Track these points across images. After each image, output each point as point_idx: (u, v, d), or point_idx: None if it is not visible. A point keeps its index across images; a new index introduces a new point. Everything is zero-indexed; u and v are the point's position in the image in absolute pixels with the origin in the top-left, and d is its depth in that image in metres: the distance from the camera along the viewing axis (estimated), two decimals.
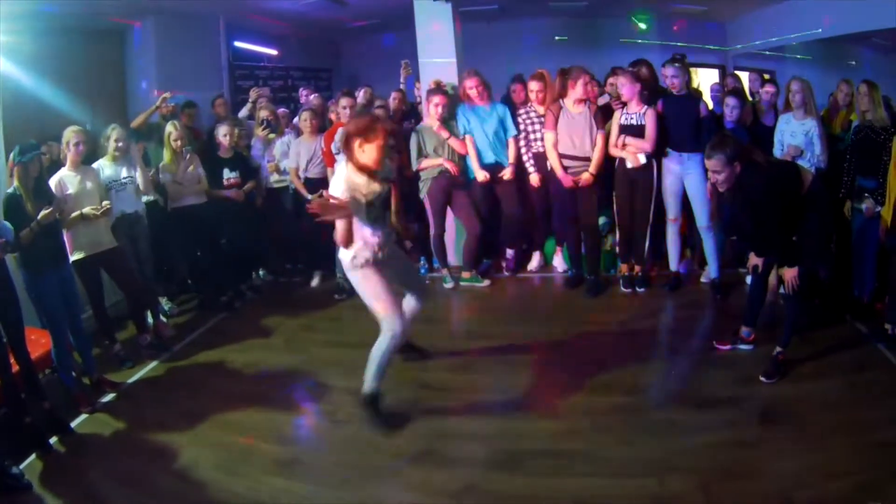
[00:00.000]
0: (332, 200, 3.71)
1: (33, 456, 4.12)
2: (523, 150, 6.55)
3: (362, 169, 3.94)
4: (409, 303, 4.60)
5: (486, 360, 5.16)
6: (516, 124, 6.54)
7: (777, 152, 5.62)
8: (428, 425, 4.24)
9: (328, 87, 12.08)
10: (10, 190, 4.45)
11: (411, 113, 7.54)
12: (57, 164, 5.31)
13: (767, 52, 10.40)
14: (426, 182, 6.49)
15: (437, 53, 7.14)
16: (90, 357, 5.07)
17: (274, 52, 11.16)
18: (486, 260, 7.19)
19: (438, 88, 6.62)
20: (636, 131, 5.84)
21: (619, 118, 5.95)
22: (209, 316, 6.48)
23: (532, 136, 6.47)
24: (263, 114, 7.07)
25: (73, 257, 5.03)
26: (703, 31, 11.43)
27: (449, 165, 6.35)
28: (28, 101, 6.33)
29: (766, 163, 4.40)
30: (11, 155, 4.44)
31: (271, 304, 6.74)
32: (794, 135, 5.51)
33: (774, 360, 4.52)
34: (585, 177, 6.01)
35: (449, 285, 6.74)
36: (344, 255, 4.15)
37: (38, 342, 4.75)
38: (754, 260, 4.77)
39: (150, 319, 5.90)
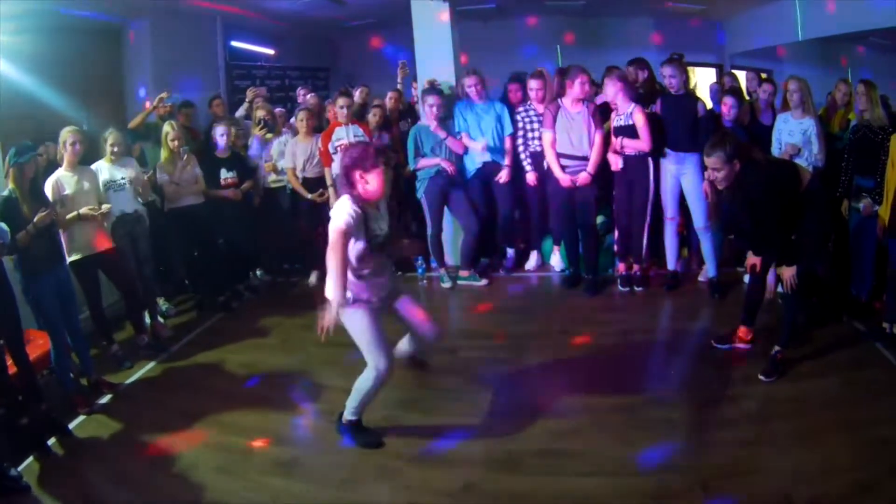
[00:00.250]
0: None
1: (31, 457, 4.12)
2: (521, 150, 6.55)
3: (370, 199, 3.80)
4: (409, 343, 4.47)
5: (485, 359, 5.16)
6: (514, 123, 6.54)
7: (775, 151, 5.62)
8: (426, 425, 4.24)
9: (325, 86, 12.05)
10: (5, 192, 4.43)
11: (408, 113, 7.55)
12: (53, 165, 5.30)
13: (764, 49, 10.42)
14: (423, 181, 6.49)
15: (434, 53, 7.14)
16: (88, 358, 5.06)
17: (271, 51, 11.15)
18: (484, 259, 7.18)
19: (432, 89, 6.61)
20: (629, 131, 5.84)
21: (612, 120, 5.96)
22: (207, 316, 6.49)
23: (530, 136, 6.48)
24: (260, 113, 7.07)
25: (70, 258, 5.02)
26: (701, 31, 11.43)
27: (446, 165, 6.35)
28: (24, 101, 6.33)
29: (765, 161, 4.41)
30: (7, 157, 4.42)
31: (269, 304, 6.74)
32: (793, 134, 5.51)
33: (773, 358, 4.52)
34: (583, 176, 6.00)
35: (447, 285, 6.74)
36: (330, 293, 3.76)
37: (36, 343, 4.74)
38: (752, 259, 4.77)
39: (147, 320, 5.90)
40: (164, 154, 6.14)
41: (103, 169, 5.60)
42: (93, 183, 5.28)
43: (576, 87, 5.88)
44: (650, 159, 5.91)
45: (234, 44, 10.05)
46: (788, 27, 9.16)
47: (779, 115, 5.80)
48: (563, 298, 6.40)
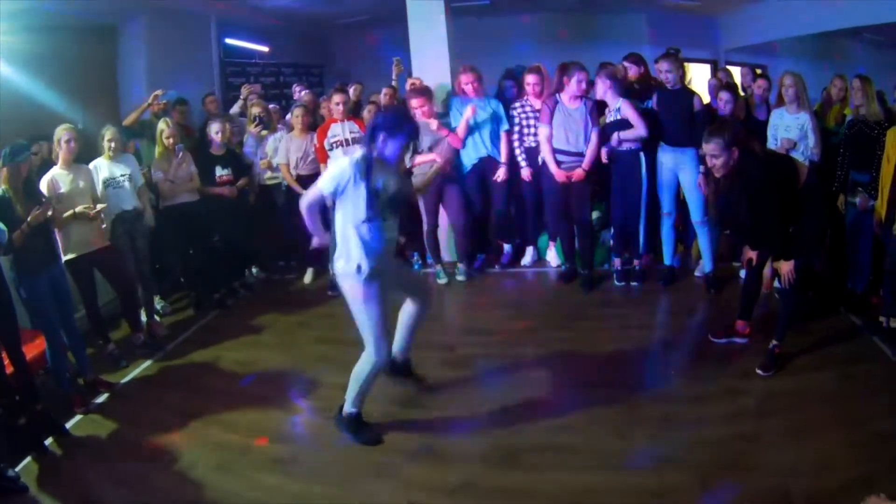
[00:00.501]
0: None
1: (29, 458, 4.10)
2: (516, 145, 6.56)
3: (385, 160, 3.85)
4: (410, 309, 4.40)
5: (482, 355, 5.16)
6: (510, 119, 6.54)
7: (771, 146, 5.62)
8: (424, 422, 4.24)
9: (320, 83, 12.05)
10: None
11: None
12: (48, 164, 5.26)
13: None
14: (419, 178, 6.47)
15: (429, 49, 7.12)
16: (84, 357, 5.04)
17: (265, 48, 11.11)
18: (481, 255, 7.17)
19: (415, 90, 6.53)
20: (620, 126, 5.85)
21: (607, 116, 5.98)
22: (202, 314, 6.47)
23: (526, 131, 6.47)
24: (255, 110, 7.05)
25: (65, 257, 5.00)
26: (695, 26, 11.43)
27: (440, 160, 6.33)
28: (18, 100, 6.28)
29: (763, 154, 4.41)
30: (1, 156, 4.37)
31: (264, 302, 6.73)
32: (789, 129, 5.51)
33: (771, 353, 4.53)
34: (578, 172, 5.99)
35: (443, 281, 6.73)
36: (341, 263, 3.86)
37: (32, 343, 4.72)
38: (749, 254, 4.78)
39: (143, 318, 5.87)
40: (158, 151, 6.11)
41: (102, 166, 5.57)
42: (88, 181, 5.25)
43: (573, 85, 5.87)
44: (643, 154, 5.92)
45: (229, 41, 10.00)
46: (783, 23, 9.17)
47: (774, 111, 5.81)
48: (560, 294, 6.40)
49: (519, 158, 6.56)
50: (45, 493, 3.79)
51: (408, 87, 6.91)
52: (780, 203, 4.23)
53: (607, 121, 5.94)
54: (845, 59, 9.76)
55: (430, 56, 7.12)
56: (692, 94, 5.86)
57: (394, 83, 7.59)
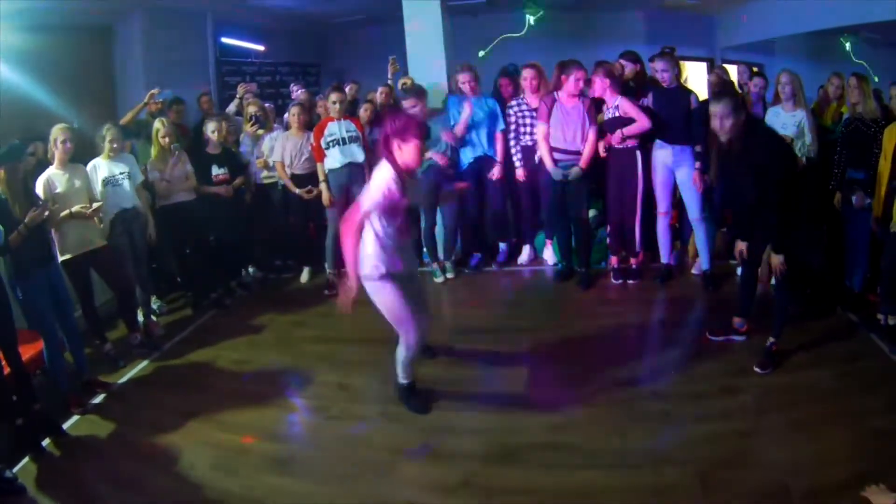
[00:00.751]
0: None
1: (27, 459, 4.09)
2: (512, 143, 6.56)
3: (405, 167, 3.94)
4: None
5: (480, 354, 5.15)
6: (506, 118, 6.54)
7: None
8: (423, 420, 4.24)
9: (316, 82, 12.04)
10: None
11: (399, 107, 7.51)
12: (43, 164, 5.24)
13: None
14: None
15: (426, 48, 7.12)
16: (82, 357, 5.03)
17: (261, 47, 11.09)
18: (477, 254, 7.17)
19: (409, 91, 6.52)
20: (617, 124, 5.85)
21: (604, 114, 5.98)
22: (199, 314, 6.46)
23: (522, 130, 6.47)
24: (252, 109, 7.03)
25: (61, 257, 4.98)
26: (692, 25, 11.44)
27: (438, 158, 6.32)
28: (13, 100, 6.27)
29: (768, 130, 4.42)
30: None
31: (261, 301, 6.72)
32: (785, 127, 5.50)
33: (768, 350, 4.53)
34: (575, 171, 5.99)
35: (439, 280, 6.73)
36: (369, 268, 4.02)
37: (29, 343, 4.70)
38: (740, 245, 4.78)
39: (140, 318, 5.86)
40: (154, 151, 6.10)
41: (101, 165, 5.54)
42: (84, 181, 5.24)
43: (570, 83, 5.86)
44: (638, 152, 5.92)
45: (225, 40, 9.99)
46: (779, 21, 9.18)
47: (769, 109, 5.82)
48: (557, 292, 6.39)
49: (514, 158, 6.57)
50: (42, 494, 3.78)
51: (399, 86, 6.90)
52: (783, 184, 4.23)
53: (605, 118, 5.94)
54: (842, 58, 9.80)
55: (426, 55, 7.11)
56: (688, 92, 5.86)
57: (389, 82, 7.58)
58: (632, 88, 6.15)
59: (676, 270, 6.40)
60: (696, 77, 9.65)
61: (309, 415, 4.59)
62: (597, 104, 6.03)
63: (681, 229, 6.51)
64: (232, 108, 7.84)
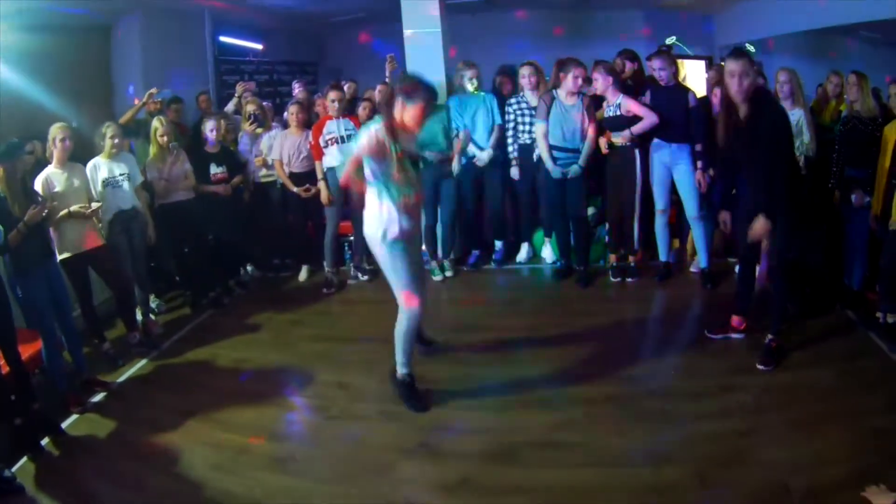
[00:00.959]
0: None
1: (25, 458, 4.08)
2: (510, 141, 6.58)
3: (402, 128, 4.00)
4: None
5: (478, 352, 5.14)
6: (504, 116, 6.56)
7: None
8: (421, 419, 4.24)
9: (314, 80, 12.03)
10: None
11: None
12: (42, 163, 5.23)
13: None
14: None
15: (424, 46, 7.10)
16: (81, 356, 5.03)
17: (259, 46, 11.09)
18: (475, 251, 7.17)
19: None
20: (617, 122, 5.85)
21: (604, 110, 5.98)
22: (198, 313, 6.45)
23: (521, 128, 6.47)
24: (250, 108, 7.02)
25: (60, 256, 4.97)
26: (690, 23, 11.43)
27: (434, 156, 6.32)
28: (12, 99, 6.27)
29: (775, 100, 4.47)
30: None
31: (260, 300, 6.71)
32: None
33: (768, 347, 4.53)
34: (574, 169, 6.00)
35: (438, 278, 6.73)
36: (371, 229, 4.16)
37: (28, 343, 4.69)
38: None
39: (139, 317, 5.85)
40: (153, 150, 6.09)
41: (102, 165, 5.52)
42: (83, 180, 5.23)
43: (569, 81, 5.86)
44: (637, 151, 5.91)
45: (223, 39, 9.98)
46: (778, 19, 9.17)
47: None
48: (555, 290, 6.40)
49: (510, 156, 6.58)
50: (41, 493, 3.77)
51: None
52: (787, 154, 4.24)
53: (605, 115, 5.94)
54: (840, 56, 9.78)
55: (424, 53, 7.10)
56: (686, 90, 5.86)
57: (387, 80, 7.57)
58: (630, 87, 6.15)
59: (675, 268, 6.40)
60: (697, 75, 9.62)
61: (308, 414, 4.59)
62: (596, 101, 6.03)
63: (679, 227, 6.51)
64: (230, 106, 7.83)
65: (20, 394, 4.25)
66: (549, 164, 6.04)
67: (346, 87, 7.39)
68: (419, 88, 3.96)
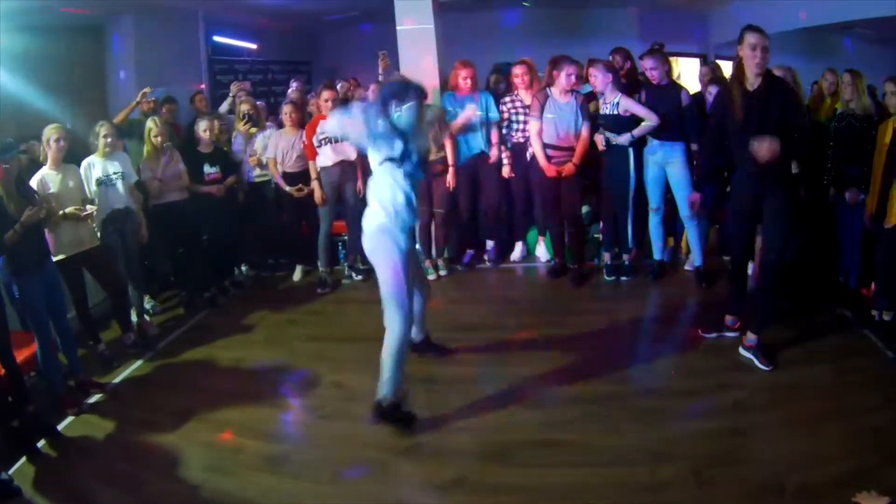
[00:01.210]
0: None
1: (22, 460, 4.07)
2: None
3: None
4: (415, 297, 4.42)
5: (473, 351, 5.14)
6: (499, 114, 6.55)
7: None
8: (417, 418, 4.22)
9: (308, 80, 12.02)
10: None
11: None
12: (36, 164, 5.21)
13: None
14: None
15: (417, 45, 7.09)
16: (76, 358, 5.01)
17: (253, 45, 11.09)
18: (469, 251, 7.17)
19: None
20: (613, 120, 5.85)
21: (600, 107, 5.97)
22: (193, 313, 6.44)
23: (515, 126, 6.48)
24: (244, 108, 7.00)
25: (54, 258, 4.94)
26: (684, 21, 11.44)
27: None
28: (5, 99, 6.25)
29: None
30: None
31: (254, 300, 6.71)
32: None
33: (759, 346, 4.55)
34: (568, 167, 6.00)
35: (432, 277, 6.71)
36: (368, 220, 4.06)
37: (23, 344, 4.68)
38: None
39: (133, 318, 5.84)
40: (147, 150, 6.07)
41: (96, 164, 5.49)
42: (77, 181, 5.20)
43: (562, 79, 5.86)
44: (631, 149, 5.91)
45: (217, 39, 9.99)
46: (772, 17, 9.17)
47: None
48: (549, 289, 6.41)
49: (503, 155, 6.59)
50: (38, 495, 3.77)
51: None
52: (801, 121, 4.27)
53: (602, 112, 5.93)
54: (836, 54, 9.80)
55: (417, 51, 7.09)
56: (679, 88, 5.86)
57: (381, 78, 7.56)
58: (623, 86, 6.15)
59: (669, 267, 6.41)
60: (691, 74, 9.63)
61: (303, 413, 4.59)
62: (589, 97, 6.03)
63: (673, 226, 6.51)
64: (224, 106, 7.82)
65: (15, 396, 4.25)
66: (542, 162, 6.03)
67: (340, 87, 7.38)
68: (409, 89, 3.91)
